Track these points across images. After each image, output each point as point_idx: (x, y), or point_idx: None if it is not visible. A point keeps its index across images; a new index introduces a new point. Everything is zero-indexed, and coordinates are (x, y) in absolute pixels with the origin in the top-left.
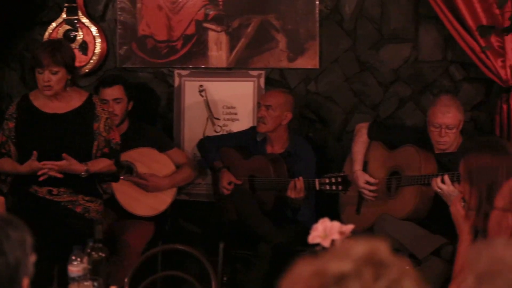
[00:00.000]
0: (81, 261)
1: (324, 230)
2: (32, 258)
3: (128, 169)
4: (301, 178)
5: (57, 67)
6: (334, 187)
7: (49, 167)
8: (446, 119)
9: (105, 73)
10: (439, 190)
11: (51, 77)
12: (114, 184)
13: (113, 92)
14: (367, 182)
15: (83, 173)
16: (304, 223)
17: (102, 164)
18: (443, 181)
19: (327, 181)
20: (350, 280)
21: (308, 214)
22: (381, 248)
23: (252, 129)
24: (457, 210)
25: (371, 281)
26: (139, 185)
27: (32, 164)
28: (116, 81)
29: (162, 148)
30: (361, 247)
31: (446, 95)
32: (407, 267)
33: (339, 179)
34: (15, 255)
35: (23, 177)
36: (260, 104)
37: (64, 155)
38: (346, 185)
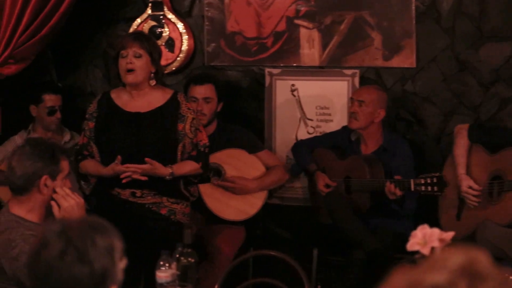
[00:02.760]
0: (170, 267)
1: (424, 237)
2: (122, 264)
3: (216, 172)
4: (387, 183)
5: (141, 50)
6: (429, 188)
7: (133, 170)
8: None
9: (192, 71)
10: None
11: (134, 60)
12: (202, 188)
13: (204, 91)
14: (470, 187)
15: (167, 176)
16: (405, 228)
17: (188, 168)
18: None
19: (422, 181)
20: None
21: (412, 206)
22: (480, 258)
23: (345, 129)
24: None
25: None
26: (226, 189)
27: (115, 167)
28: (208, 80)
29: (252, 149)
30: (458, 258)
31: None
32: (508, 279)
33: (435, 180)
34: (102, 263)
35: (105, 179)
36: (353, 99)
37: (147, 159)
38: (442, 186)
